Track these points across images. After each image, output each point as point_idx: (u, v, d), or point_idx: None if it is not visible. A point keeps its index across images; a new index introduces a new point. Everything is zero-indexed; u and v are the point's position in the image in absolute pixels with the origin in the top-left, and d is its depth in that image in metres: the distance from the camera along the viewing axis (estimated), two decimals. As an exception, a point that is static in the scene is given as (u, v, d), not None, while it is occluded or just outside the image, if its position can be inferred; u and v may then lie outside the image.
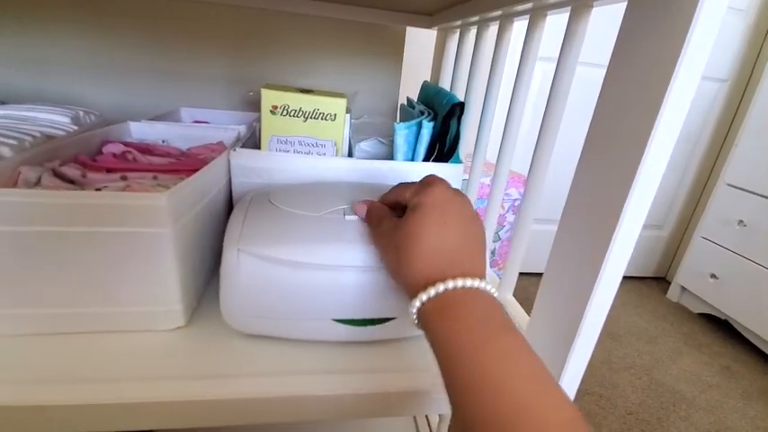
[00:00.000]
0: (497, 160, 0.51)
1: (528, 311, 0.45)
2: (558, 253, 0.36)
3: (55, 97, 0.75)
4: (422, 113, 0.53)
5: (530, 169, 0.44)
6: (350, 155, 0.55)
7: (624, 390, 1.25)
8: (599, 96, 0.31)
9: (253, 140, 0.58)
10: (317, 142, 0.49)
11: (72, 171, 0.39)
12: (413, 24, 0.75)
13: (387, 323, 0.36)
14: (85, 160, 0.44)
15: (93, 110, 0.59)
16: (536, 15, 0.43)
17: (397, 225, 0.31)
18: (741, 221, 1.52)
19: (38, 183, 0.37)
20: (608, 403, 1.19)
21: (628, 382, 1.28)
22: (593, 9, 0.37)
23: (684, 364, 1.40)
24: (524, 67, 0.46)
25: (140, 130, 0.57)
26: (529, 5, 0.41)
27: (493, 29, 0.55)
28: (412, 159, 0.52)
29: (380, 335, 0.37)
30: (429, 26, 0.74)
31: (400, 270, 0.30)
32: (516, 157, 0.53)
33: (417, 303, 0.27)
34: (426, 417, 0.84)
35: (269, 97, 0.45)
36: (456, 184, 0.52)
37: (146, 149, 0.52)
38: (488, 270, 0.38)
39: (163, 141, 0.57)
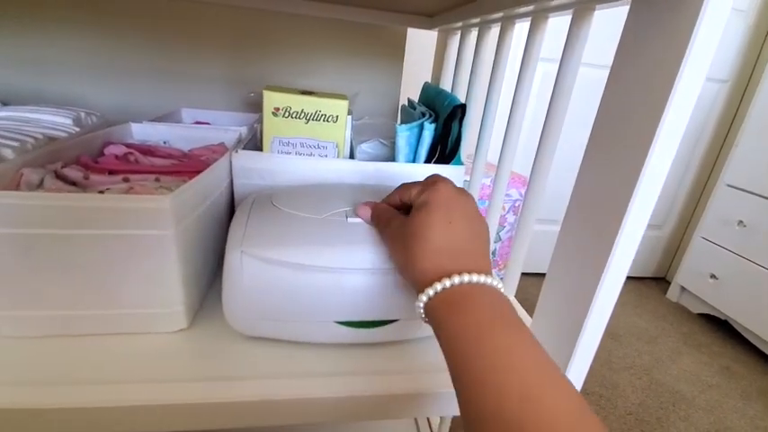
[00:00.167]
0: (499, 161, 0.51)
1: (528, 312, 0.45)
2: (560, 254, 0.36)
3: (55, 98, 0.75)
4: (423, 115, 0.53)
5: (532, 170, 0.44)
6: (351, 156, 0.55)
7: (624, 390, 1.25)
8: (602, 97, 0.31)
9: (254, 142, 0.58)
10: (319, 144, 0.49)
11: (74, 173, 0.39)
12: (413, 25, 0.75)
13: (389, 325, 0.36)
14: (88, 162, 0.44)
15: (94, 111, 0.59)
16: (538, 17, 0.43)
17: (405, 223, 0.31)
18: (741, 222, 1.52)
19: (40, 185, 0.37)
20: (608, 403, 1.20)
21: (627, 382, 1.28)
22: (596, 12, 0.37)
23: (684, 364, 1.40)
24: (526, 69, 0.46)
25: (142, 131, 0.57)
26: (530, 8, 0.42)
27: (494, 30, 0.55)
28: (413, 161, 0.52)
29: (383, 337, 0.37)
30: (430, 27, 0.74)
31: (408, 266, 0.30)
32: (517, 157, 0.53)
33: (425, 298, 0.28)
34: (428, 419, 0.84)
35: (271, 99, 0.45)
36: (458, 185, 0.52)
37: (147, 151, 0.52)
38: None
39: (164, 142, 0.58)
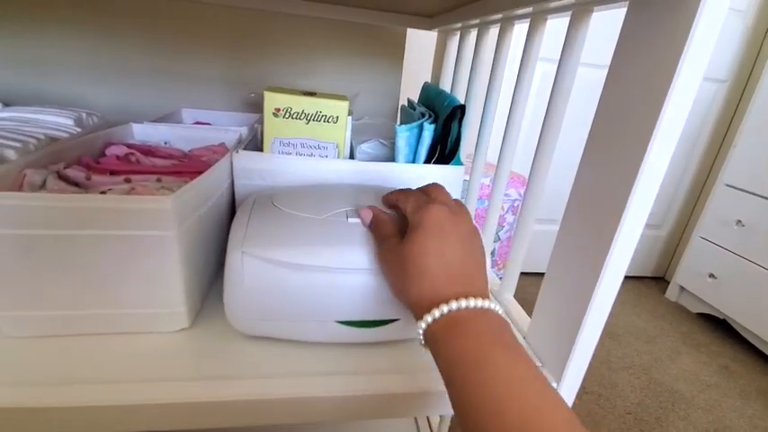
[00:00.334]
0: (498, 161, 0.52)
1: (527, 311, 0.45)
2: (559, 253, 0.36)
3: (56, 99, 0.75)
4: (423, 115, 0.53)
5: (531, 170, 0.44)
6: (351, 156, 0.55)
7: (623, 389, 1.25)
8: (601, 97, 0.31)
9: (254, 142, 0.58)
10: (319, 144, 0.49)
11: (76, 174, 0.40)
12: (413, 26, 0.75)
13: (390, 324, 0.37)
14: (89, 162, 0.44)
15: (95, 111, 0.60)
16: (536, 19, 0.44)
17: (400, 246, 0.31)
18: (739, 221, 1.52)
19: (43, 186, 0.37)
20: (607, 403, 1.20)
21: (627, 382, 1.29)
22: (594, 13, 0.37)
23: (683, 364, 1.41)
24: (525, 70, 0.46)
25: (143, 132, 0.57)
26: (529, 9, 0.42)
27: (493, 31, 0.56)
28: (413, 161, 0.52)
29: (383, 336, 0.38)
30: (429, 28, 0.74)
31: (404, 292, 0.30)
32: (516, 157, 0.53)
33: (423, 325, 0.28)
34: (427, 418, 0.84)
35: (272, 100, 0.46)
36: (457, 186, 0.52)
37: (148, 151, 0.52)
38: (489, 271, 0.39)
39: (165, 143, 0.58)
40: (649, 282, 2.01)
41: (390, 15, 0.73)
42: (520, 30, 0.54)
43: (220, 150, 0.56)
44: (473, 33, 0.61)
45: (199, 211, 0.38)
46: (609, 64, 0.30)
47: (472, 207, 0.63)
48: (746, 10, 1.62)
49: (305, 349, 0.37)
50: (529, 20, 0.45)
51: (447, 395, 0.26)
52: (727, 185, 1.58)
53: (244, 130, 0.61)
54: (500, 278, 0.52)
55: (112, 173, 0.43)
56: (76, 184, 0.39)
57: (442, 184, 0.37)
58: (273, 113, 0.46)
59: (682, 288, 1.78)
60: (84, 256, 0.33)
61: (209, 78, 0.80)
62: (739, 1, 1.60)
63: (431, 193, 0.35)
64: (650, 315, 1.70)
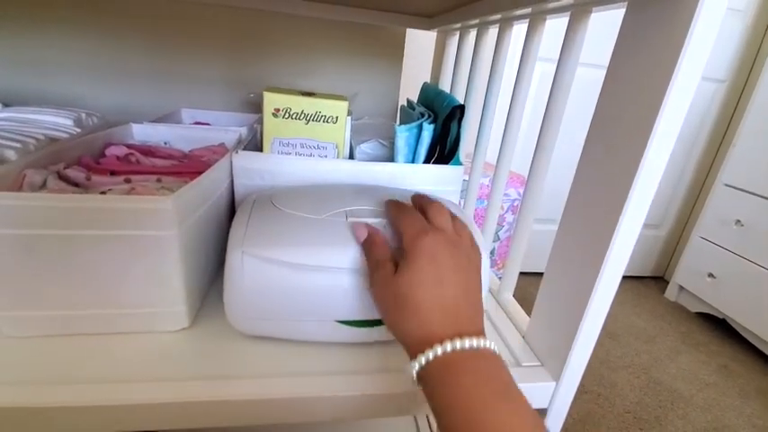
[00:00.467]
0: (497, 161, 0.52)
1: (527, 311, 0.45)
2: (558, 253, 0.37)
3: (56, 99, 0.75)
4: (422, 115, 0.53)
5: (530, 171, 0.44)
6: (351, 156, 0.55)
7: (622, 389, 1.26)
8: (599, 97, 0.31)
9: (254, 142, 0.58)
10: (319, 144, 0.49)
11: (77, 174, 0.40)
12: (412, 26, 0.75)
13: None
14: (89, 163, 0.44)
15: (95, 112, 0.60)
16: (535, 19, 0.44)
17: (393, 278, 0.30)
18: (738, 221, 1.52)
19: (43, 186, 0.37)
20: (606, 402, 1.20)
21: (626, 381, 1.29)
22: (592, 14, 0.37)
23: (682, 363, 1.41)
24: (524, 70, 0.46)
25: (142, 132, 0.57)
26: (528, 10, 0.42)
27: (492, 31, 0.56)
28: (413, 161, 0.52)
29: (383, 336, 0.38)
30: (429, 28, 0.74)
31: (397, 328, 0.29)
32: (515, 157, 0.53)
33: (416, 366, 0.27)
34: (427, 417, 0.84)
35: (271, 100, 0.46)
36: (456, 186, 0.53)
37: (148, 151, 0.52)
38: (488, 272, 0.39)
39: (165, 143, 0.58)
40: (649, 281, 2.01)
41: (390, 15, 0.73)
42: (519, 30, 0.54)
43: (220, 150, 0.56)
44: (472, 33, 0.62)
45: (199, 211, 0.38)
46: (607, 64, 0.31)
47: (471, 207, 0.64)
48: (745, 9, 1.62)
49: (305, 349, 0.37)
50: (528, 20, 0.45)
51: None
52: (727, 185, 1.59)
53: (243, 131, 0.61)
54: (499, 278, 0.52)
55: (112, 173, 0.43)
56: (77, 185, 0.40)
57: (442, 199, 0.37)
58: (273, 114, 0.46)
59: (681, 288, 1.79)
60: (85, 256, 0.33)
61: (208, 78, 0.80)
62: (738, 0, 1.60)
63: (429, 213, 0.33)
64: (649, 315, 1.70)
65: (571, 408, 0.38)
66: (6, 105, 0.54)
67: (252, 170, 0.48)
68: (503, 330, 0.43)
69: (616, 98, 0.30)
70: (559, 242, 0.37)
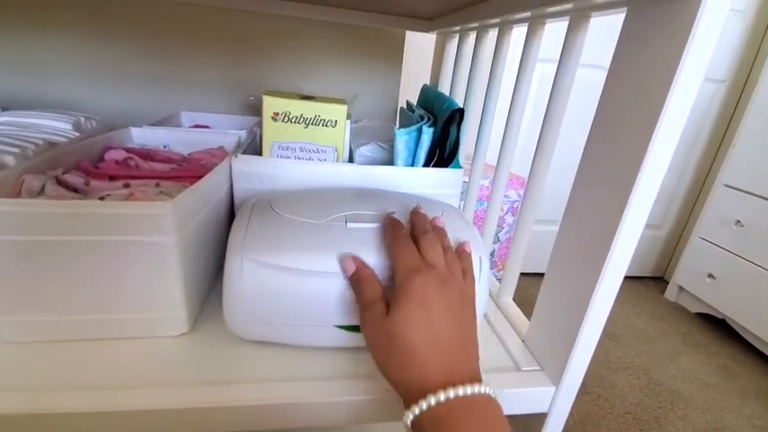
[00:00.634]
0: (497, 163, 0.52)
1: (526, 312, 0.45)
2: (558, 256, 0.37)
3: (54, 102, 0.75)
4: (422, 118, 0.53)
5: (529, 174, 0.44)
6: (350, 159, 0.55)
7: (622, 389, 1.26)
8: (601, 98, 0.31)
9: (253, 145, 0.58)
10: (318, 148, 0.49)
11: (75, 179, 0.40)
12: (412, 28, 0.75)
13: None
14: (88, 167, 0.44)
15: (94, 115, 0.60)
16: (535, 23, 0.44)
17: (384, 321, 0.29)
18: (738, 222, 1.52)
19: (41, 191, 0.37)
20: (606, 403, 1.20)
21: (626, 382, 1.29)
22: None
23: (682, 364, 1.41)
24: (523, 74, 0.46)
25: (141, 136, 0.57)
26: (527, 14, 0.42)
27: (492, 34, 0.56)
28: (412, 164, 0.52)
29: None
30: (428, 30, 0.74)
31: (389, 373, 0.29)
32: (515, 158, 0.53)
33: (411, 416, 0.26)
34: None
35: (270, 104, 0.46)
36: (456, 189, 0.53)
37: (147, 155, 0.52)
38: (487, 274, 0.39)
39: (164, 146, 0.58)
40: (648, 282, 2.01)
41: (389, 18, 0.73)
42: (519, 32, 0.54)
43: (219, 154, 0.56)
44: (472, 36, 0.62)
45: (198, 216, 0.38)
46: (605, 65, 0.31)
47: (471, 209, 0.64)
48: (745, 10, 1.62)
49: (304, 353, 0.37)
50: (527, 24, 0.45)
51: None
52: (726, 186, 1.59)
53: (243, 134, 0.61)
54: (499, 279, 0.52)
55: (111, 178, 0.43)
56: (75, 190, 0.40)
57: (440, 203, 0.36)
58: (272, 118, 0.46)
59: (681, 288, 1.79)
60: (84, 261, 0.33)
61: (208, 81, 0.80)
62: (738, 1, 1.60)
63: (421, 247, 0.32)
64: (649, 315, 1.70)
65: (571, 409, 0.38)
66: (5, 109, 0.54)
67: (251, 174, 0.48)
68: (502, 334, 0.43)
69: (618, 99, 0.30)
70: (560, 245, 0.36)
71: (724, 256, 1.57)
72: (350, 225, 0.37)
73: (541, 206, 1.55)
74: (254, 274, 0.33)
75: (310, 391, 0.33)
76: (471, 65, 0.59)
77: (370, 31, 0.81)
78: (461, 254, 0.35)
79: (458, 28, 0.63)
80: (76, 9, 0.71)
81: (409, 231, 0.35)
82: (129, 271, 0.34)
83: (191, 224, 0.36)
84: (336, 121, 0.48)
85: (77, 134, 0.50)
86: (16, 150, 0.39)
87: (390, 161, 0.55)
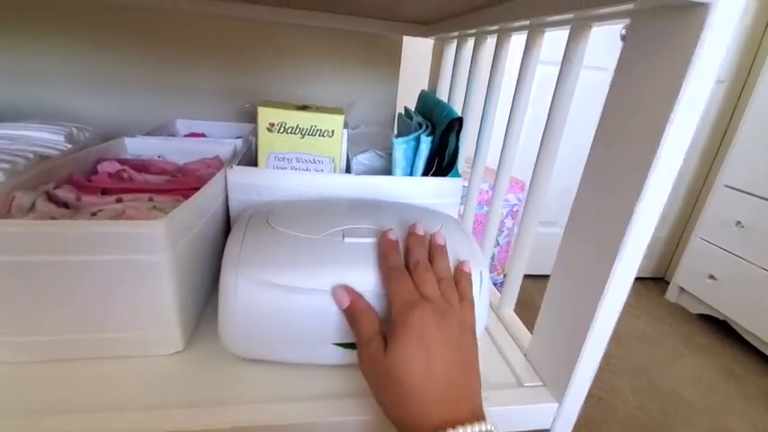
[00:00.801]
0: (497, 170, 0.51)
1: (525, 313, 0.45)
2: (562, 266, 0.36)
3: (48, 111, 0.74)
4: (420, 125, 0.52)
5: (530, 185, 0.44)
6: (348, 167, 0.55)
7: (624, 393, 1.25)
8: (605, 104, 0.30)
9: (249, 154, 0.57)
10: (315, 159, 0.48)
11: (66, 194, 0.39)
12: (409, 34, 0.74)
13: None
14: (80, 180, 0.43)
15: (88, 124, 0.59)
16: (534, 31, 0.43)
17: (382, 359, 0.28)
18: (739, 222, 1.52)
19: (32, 208, 0.36)
20: (608, 406, 1.19)
21: (627, 385, 1.28)
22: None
23: (684, 366, 1.40)
24: (523, 82, 0.46)
25: (136, 146, 0.57)
26: (526, 22, 0.41)
27: (491, 40, 0.55)
28: (410, 174, 0.51)
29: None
30: (426, 35, 0.74)
31: (388, 411, 0.28)
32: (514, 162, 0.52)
33: None
34: None
35: (266, 115, 0.45)
36: (455, 198, 0.52)
37: (141, 166, 0.51)
38: (488, 287, 0.38)
39: (159, 156, 0.57)
40: (649, 282, 2.00)
41: (386, 23, 0.72)
42: (518, 37, 0.53)
43: (215, 164, 0.55)
44: (470, 41, 0.61)
45: (192, 231, 0.37)
46: (604, 66, 0.30)
47: (471, 214, 0.63)
48: (744, 10, 1.61)
49: (303, 372, 0.36)
50: (526, 32, 0.44)
51: None
52: (727, 186, 1.58)
53: (239, 143, 0.60)
54: (499, 283, 0.51)
55: (104, 192, 0.42)
56: (66, 205, 0.39)
57: (439, 214, 0.35)
58: (267, 128, 0.46)
59: (681, 289, 1.78)
60: (75, 281, 0.32)
61: (204, 88, 0.79)
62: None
63: (415, 278, 0.32)
64: (650, 316, 1.70)
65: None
66: (-2, 120, 0.53)
67: (247, 185, 0.47)
68: (503, 347, 0.43)
69: (623, 109, 0.29)
70: (563, 255, 0.35)
71: (725, 257, 1.57)
72: (347, 240, 0.36)
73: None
74: (250, 291, 0.33)
75: (309, 411, 0.33)
76: (470, 71, 0.58)
77: (368, 37, 0.80)
78: (460, 275, 0.34)
79: (455, 34, 0.62)
80: (71, 17, 0.70)
81: (404, 257, 0.34)
82: (121, 290, 0.33)
83: (184, 240, 0.36)
84: (333, 131, 0.47)
85: (70, 146, 0.49)
86: (6, 166, 0.38)
87: (388, 169, 0.54)
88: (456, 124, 0.48)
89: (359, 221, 0.39)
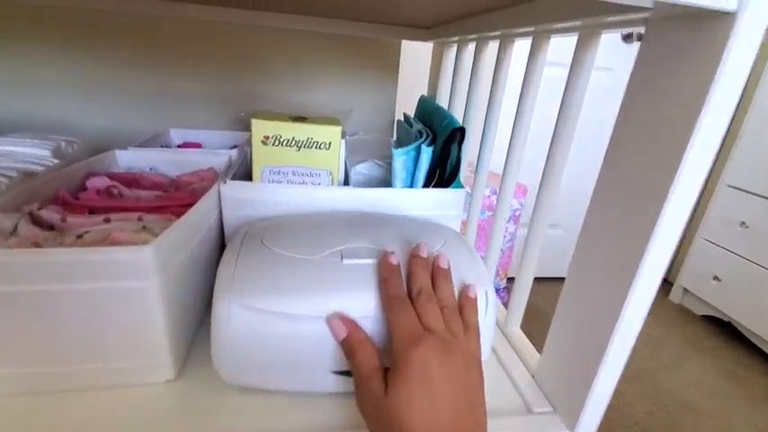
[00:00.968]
0: (502, 178, 0.49)
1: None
2: (575, 280, 0.34)
3: (38, 121, 0.72)
4: (420, 134, 0.51)
5: (535, 203, 0.42)
6: (346, 177, 0.53)
7: (630, 399, 1.23)
8: (625, 102, 0.28)
9: (245, 166, 0.55)
10: (312, 172, 0.46)
11: (51, 215, 0.37)
12: (408, 38, 0.73)
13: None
14: (67, 198, 0.41)
15: (79, 134, 0.57)
16: (539, 37, 0.41)
17: (382, 400, 0.27)
18: (743, 223, 1.50)
19: (14, 231, 0.34)
20: (614, 413, 1.18)
21: (634, 391, 1.26)
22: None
23: (690, 370, 1.39)
24: (528, 88, 0.44)
25: (127, 158, 0.55)
26: (531, 28, 0.39)
27: (492, 44, 0.53)
28: (411, 185, 0.50)
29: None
30: (425, 39, 0.72)
31: None
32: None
33: None
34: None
35: (260, 128, 0.43)
36: (458, 210, 0.50)
37: (133, 180, 0.49)
38: (494, 307, 0.36)
39: (151, 169, 0.55)
40: (652, 283, 1.98)
41: (384, 27, 0.70)
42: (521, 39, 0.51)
43: (209, 176, 0.53)
44: (471, 45, 0.59)
45: (183, 252, 0.36)
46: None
47: (474, 223, 0.61)
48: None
49: (300, 401, 0.35)
50: (531, 38, 0.42)
51: None
52: (730, 186, 1.56)
53: (234, 153, 0.58)
54: (500, 289, 0.49)
55: (91, 211, 0.40)
56: (52, 227, 0.37)
57: (441, 227, 0.33)
58: (262, 141, 0.44)
59: (685, 290, 1.76)
60: (59, 310, 0.30)
61: (198, 96, 0.77)
62: None
63: (418, 309, 0.30)
64: (654, 318, 1.68)
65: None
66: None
67: (241, 200, 0.45)
68: (510, 368, 0.41)
69: (639, 123, 0.27)
70: (577, 267, 0.33)
71: (729, 257, 1.55)
72: (346, 261, 0.34)
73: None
74: (244, 319, 0.31)
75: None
76: (471, 76, 0.56)
77: (365, 41, 0.78)
78: (465, 301, 0.33)
79: (456, 38, 0.60)
80: (60, 24, 0.68)
81: (406, 282, 0.33)
82: (108, 318, 0.31)
83: (175, 263, 0.34)
84: (330, 143, 0.45)
85: (57, 161, 0.47)
86: (-13, 186, 0.36)
87: (388, 178, 0.52)
88: (458, 134, 0.46)
89: (358, 239, 0.37)
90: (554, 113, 0.38)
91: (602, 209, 0.31)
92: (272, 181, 0.46)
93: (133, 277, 0.30)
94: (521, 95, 0.44)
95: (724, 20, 0.21)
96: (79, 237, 0.35)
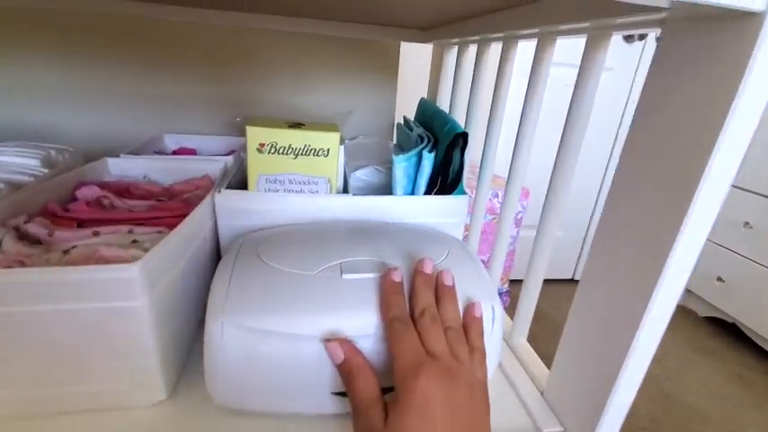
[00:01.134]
0: (507, 183, 0.47)
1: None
2: (587, 289, 0.32)
3: (30, 128, 0.70)
4: (421, 139, 0.49)
5: (542, 214, 0.40)
6: (345, 183, 0.51)
7: (635, 404, 1.21)
8: (640, 105, 0.26)
9: (241, 173, 0.54)
10: (309, 180, 0.45)
11: (38, 229, 0.35)
12: (407, 39, 0.71)
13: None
14: (56, 210, 0.40)
15: (71, 140, 0.56)
16: (545, 39, 0.40)
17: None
18: (747, 223, 1.49)
19: (-3, 247, 0.33)
20: (619, 418, 1.16)
21: (639, 396, 1.23)
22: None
23: (696, 374, 1.37)
24: (533, 92, 0.42)
25: (119, 166, 0.53)
26: (536, 30, 0.38)
27: (495, 46, 0.52)
28: (412, 193, 0.48)
29: (385, 404, 0.33)
30: (424, 41, 0.70)
31: None
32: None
33: None
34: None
35: (255, 135, 0.42)
36: (460, 217, 0.48)
37: (125, 189, 0.48)
38: (500, 322, 0.35)
39: (144, 177, 0.53)
40: (655, 284, 1.97)
41: (383, 29, 0.69)
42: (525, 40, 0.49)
43: (203, 184, 0.52)
44: (472, 47, 0.57)
45: (175, 267, 0.34)
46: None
47: (477, 228, 0.59)
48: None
49: (298, 423, 0.33)
50: (536, 39, 0.41)
51: None
52: (733, 186, 1.54)
53: (229, 160, 0.57)
54: (503, 293, 0.47)
55: (80, 224, 0.38)
56: (39, 241, 0.35)
57: (443, 236, 0.32)
58: (258, 149, 0.42)
59: (689, 291, 1.75)
60: (44, 331, 0.29)
61: (194, 100, 0.75)
62: None
63: (421, 333, 0.29)
64: (658, 320, 1.66)
65: None
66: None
67: (237, 210, 0.44)
68: (517, 384, 0.39)
69: (656, 129, 0.26)
70: (590, 276, 0.31)
71: (733, 258, 1.53)
72: (345, 276, 0.33)
73: (535, 209, 1.51)
74: (238, 340, 0.29)
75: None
76: (473, 78, 0.55)
77: (364, 43, 0.76)
78: (470, 320, 0.31)
79: (456, 40, 0.59)
80: (48, 27, 0.67)
81: (409, 300, 0.31)
82: (95, 339, 0.30)
83: (166, 279, 0.32)
84: (328, 150, 0.44)
85: (46, 171, 0.45)
86: (-30, 200, 0.35)
87: (388, 184, 0.50)
88: (460, 140, 0.45)
89: (358, 251, 0.36)
90: (554, 113, 0.37)
91: (618, 213, 0.29)
92: (269, 189, 0.45)
93: (121, 296, 0.29)
94: (525, 99, 0.43)
95: (750, 21, 0.20)
96: (66, 252, 0.33)
